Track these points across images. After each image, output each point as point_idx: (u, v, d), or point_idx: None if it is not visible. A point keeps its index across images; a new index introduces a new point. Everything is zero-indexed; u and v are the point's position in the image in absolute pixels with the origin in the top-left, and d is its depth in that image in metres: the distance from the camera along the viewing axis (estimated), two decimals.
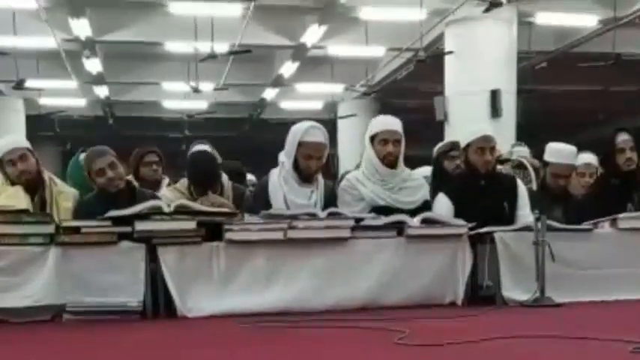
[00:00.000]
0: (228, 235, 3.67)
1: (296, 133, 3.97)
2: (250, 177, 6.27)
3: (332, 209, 3.87)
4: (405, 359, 2.51)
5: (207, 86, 15.76)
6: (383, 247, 3.83)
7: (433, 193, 4.24)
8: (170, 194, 4.21)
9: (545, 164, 4.54)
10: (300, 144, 3.95)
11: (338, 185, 4.33)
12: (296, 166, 3.97)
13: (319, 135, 4.00)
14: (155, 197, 4.02)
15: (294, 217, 3.75)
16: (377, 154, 4.08)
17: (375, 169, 4.09)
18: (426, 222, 3.90)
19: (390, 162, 4.08)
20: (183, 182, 4.33)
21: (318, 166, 4.01)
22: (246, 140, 19.55)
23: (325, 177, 4.19)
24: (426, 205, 4.13)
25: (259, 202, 3.96)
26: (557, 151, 4.52)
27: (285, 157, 4.02)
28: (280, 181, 3.99)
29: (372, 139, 4.12)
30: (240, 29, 12.45)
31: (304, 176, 3.99)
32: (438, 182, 4.45)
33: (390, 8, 12.02)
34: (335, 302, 3.69)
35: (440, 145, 5.01)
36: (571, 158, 4.55)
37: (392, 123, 4.15)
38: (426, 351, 2.60)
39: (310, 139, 3.96)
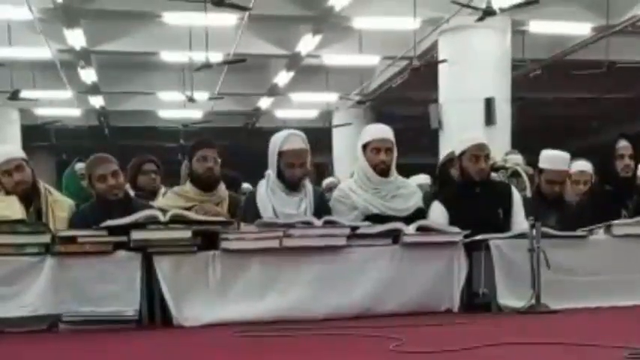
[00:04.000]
0: (223, 244, 3.67)
1: (275, 143, 3.99)
2: (246, 185, 6.27)
3: (328, 217, 3.88)
4: None
5: (202, 95, 15.79)
6: (378, 255, 3.84)
7: (432, 200, 4.25)
8: (170, 201, 4.21)
9: (540, 171, 4.56)
10: (280, 153, 3.96)
11: (328, 194, 4.33)
12: (280, 175, 3.98)
13: (298, 141, 4.00)
14: (150, 207, 4.02)
15: (290, 226, 3.76)
16: (369, 162, 4.09)
17: (368, 178, 4.09)
18: (422, 230, 3.91)
19: (382, 170, 4.08)
20: (183, 187, 4.34)
21: (303, 173, 4.01)
22: (242, 149, 19.53)
23: (320, 185, 4.20)
24: (420, 213, 4.14)
25: (249, 214, 3.96)
26: (551, 158, 4.54)
27: (269, 169, 4.03)
28: (268, 193, 4.00)
29: (364, 147, 4.12)
30: (235, 39, 12.48)
31: (290, 185, 4.00)
32: (443, 189, 4.45)
33: (383, 17, 12.06)
34: (331, 310, 3.69)
35: (447, 152, 5.02)
36: (565, 164, 4.57)
37: (383, 131, 4.16)
38: (422, 358, 2.61)
39: (289, 147, 3.97)
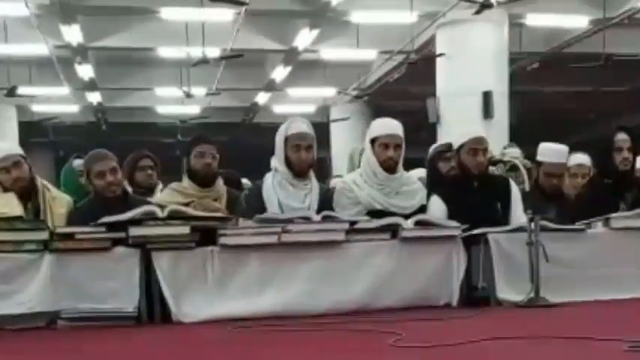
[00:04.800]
0: (222, 240, 3.67)
1: (281, 131, 4.02)
2: (245, 181, 6.26)
3: (326, 212, 3.87)
4: None
5: (199, 91, 15.79)
6: (377, 249, 3.84)
7: (427, 195, 4.24)
8: (168, 197, 4.21)
9: (538, 164, 4.56)
10: (287, 138, 3.98)
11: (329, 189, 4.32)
12: (288, 163, 3.98)
13: (302, 125, 4.02)
14: (148, 203, 4.01)
15: (288, 221, 3.76)
16: (377, 157, 4.06)
17: (374, 173, 4.07)
18: (420, 224, 3.91)
19: (389, 166, 4.06)
20: (181, 183, 4.34)
21: (309, 157, 3.99)
22: (239, 144, 19.53)
23: (320, 180, 4.19)
24: (422, 210, 4.12)
25: (254, 207, 3.96)
26: (549, 151, 4.54)
27: (276, 159, 4.03)
28: (274, 185, 3.99)
29: (372, 142, 4.11)
30: (232, 34, 12.46)
31: (297, 171, 3.99)
32: (432, 184, 4.45)
33: (380, 12, 12.05)
34: (330, 305, 3.69)
35: (435, 146, 5.01)
36: (563, 157, 4.56)
37: (393, 127, 4.12)
38: (421, 353, 2.61)
39: (294, 131, 3.98)
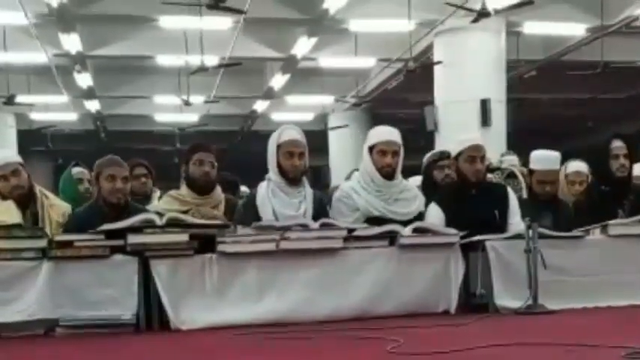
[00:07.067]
0: (220, 247, 3.67)
1: (273, 139, 4.04)
2: (244, 188, 6.27)
3: (324, 220, 3.88)
4: None
5: (198, 99, 15.80)
6: (375, 256, 3.84)
7: (425, 202, 4.25)
8: (166, 205, 4.22)
9: (531, 172, 4.56)
10: (279, 146, 4.00)
11: (330, 197, 4.33)
12: (281, 171, 3.99)
13: (294, 133, 4.05)
14: (146, 211, 4.02)
15: (286, 228, 3.76)
16: (375, 164, 4.08)
17: (372, 180, 4.08)
18: (418, 231, 3.92)
19: (387, 173, 4.07)
20: (179, 191, 4.35)
21: (302, 164, 4.01)
22: (238, 152, 19.53)
23: (317, 187, 4.20)
24: (421, 217, 4.13)
25: (248, 216, 3.97)
26: (540, 158, 4.53)
27: (269, 168, 4.04)
28: (268, 194, 4.00)
29: (371, 149, 4.12)
30: (231, 42, 12.49)
31: (291, 178, 4.00)
32: (427, 192, 4.45)
33: (378, 20, 12.09)
34: (328, 312, 3.69)
35: (429, 154, 5.02)
36: (554, 163, 4.55)
37: (391, 134, 4.14)
38: None
39: (286, 138, 4.01)
